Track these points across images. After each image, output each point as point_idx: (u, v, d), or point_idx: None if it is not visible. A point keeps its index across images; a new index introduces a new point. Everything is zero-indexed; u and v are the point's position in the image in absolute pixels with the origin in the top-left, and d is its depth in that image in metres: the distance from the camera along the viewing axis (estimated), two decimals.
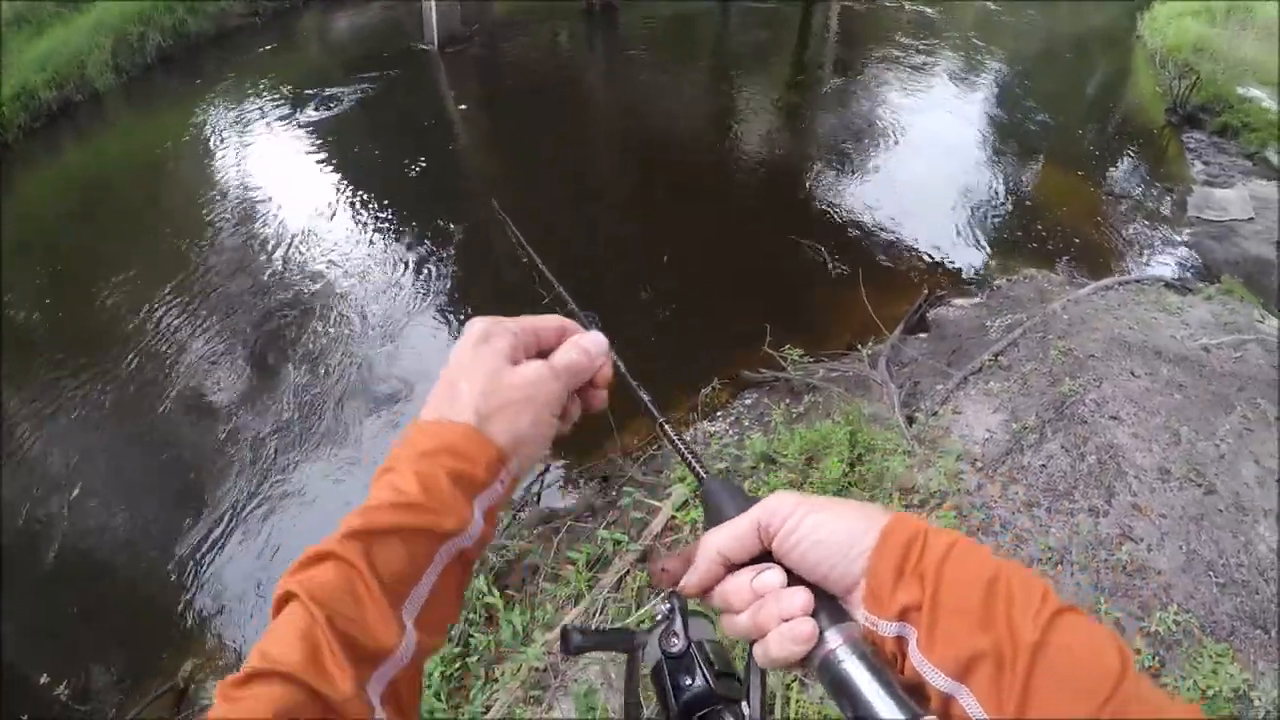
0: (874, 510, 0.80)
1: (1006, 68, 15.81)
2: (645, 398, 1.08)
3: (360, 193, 11.23)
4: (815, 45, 17.45)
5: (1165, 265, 8.84)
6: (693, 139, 12.33)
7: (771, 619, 0.77)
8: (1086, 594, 4.37)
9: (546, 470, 6.56)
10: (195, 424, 7.89)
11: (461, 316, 8.53)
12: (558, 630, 0.86)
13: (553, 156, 11.82)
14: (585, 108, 14.17)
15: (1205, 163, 11.20)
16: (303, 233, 10.45)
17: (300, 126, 13.78)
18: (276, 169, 12.40)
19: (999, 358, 6.33)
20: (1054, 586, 3.42)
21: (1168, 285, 7.79)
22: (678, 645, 1.02)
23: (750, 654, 0.83)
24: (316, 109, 14.30)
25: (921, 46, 16.20)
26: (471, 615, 5.20)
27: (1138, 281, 7.79)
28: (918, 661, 0.72)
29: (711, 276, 8.51)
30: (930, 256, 8.42)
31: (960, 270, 8.28)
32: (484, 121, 14.10)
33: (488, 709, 4.64)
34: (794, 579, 0.79)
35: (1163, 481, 5.09)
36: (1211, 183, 10.57)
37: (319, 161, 12.44)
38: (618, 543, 5.31)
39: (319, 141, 13.13)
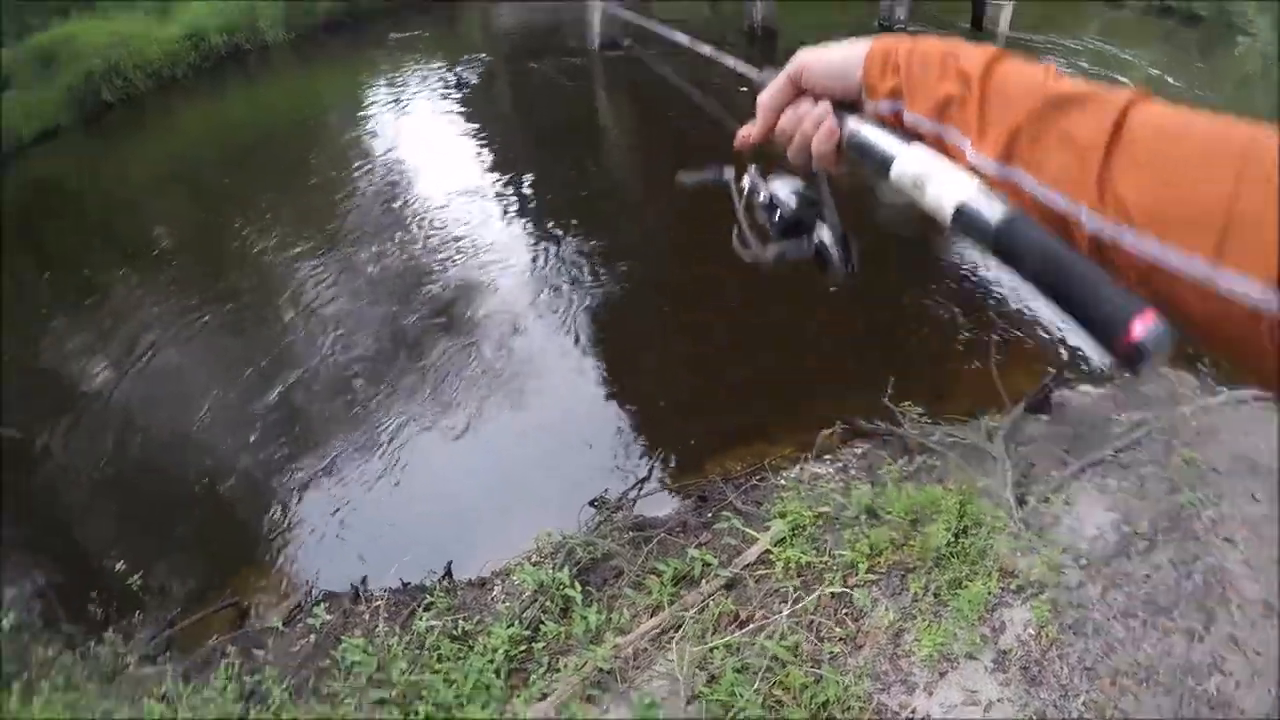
0: (862, 40, 1.06)
1: None
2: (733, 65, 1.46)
3: (503, 174, 11.47)
4: None
5: None
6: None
7: (809, 129, 1.10)
8: (1166, 716, 4.20)
9: (647, 479, 6.59)
10: (310, 361, 8.19)
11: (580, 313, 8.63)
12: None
13: (679, 164, 11.82)
14: (725, 130, 14.17)
15: None
16: (443, 203, 10.75)
17: (453, 104, 14.14)
18: (426, 140, 12.76)
19: (1120, 455, 6.16)
20: (1134, 706, 3.33)
21: None
22: (762, 193, 1.33)
23: (817, 178, 1.23)
24: (471, 90, 14.65)
25: None
26: (547, 604, 5.26)
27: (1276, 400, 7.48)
28: (909, 119, 0.99)
29: (839, 317, 8.44)
30: (1064, 336, 8.21)
31: (1092, 356, 8.06)
32: (629, 124, 14.23)
33: (544, 696, 4.67)
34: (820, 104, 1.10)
35: (1265, 617, 4.89)
36: None
37: (467, 138, 12.74)
38: (707, 564, 5.33)
39: (469, 121, 13.45)
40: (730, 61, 1.41)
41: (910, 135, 0.97)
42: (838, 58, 1.06)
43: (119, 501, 7.33)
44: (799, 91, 1.12)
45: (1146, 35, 23.37)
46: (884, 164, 0.96)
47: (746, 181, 1.35)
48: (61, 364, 8.85)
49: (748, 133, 1.23)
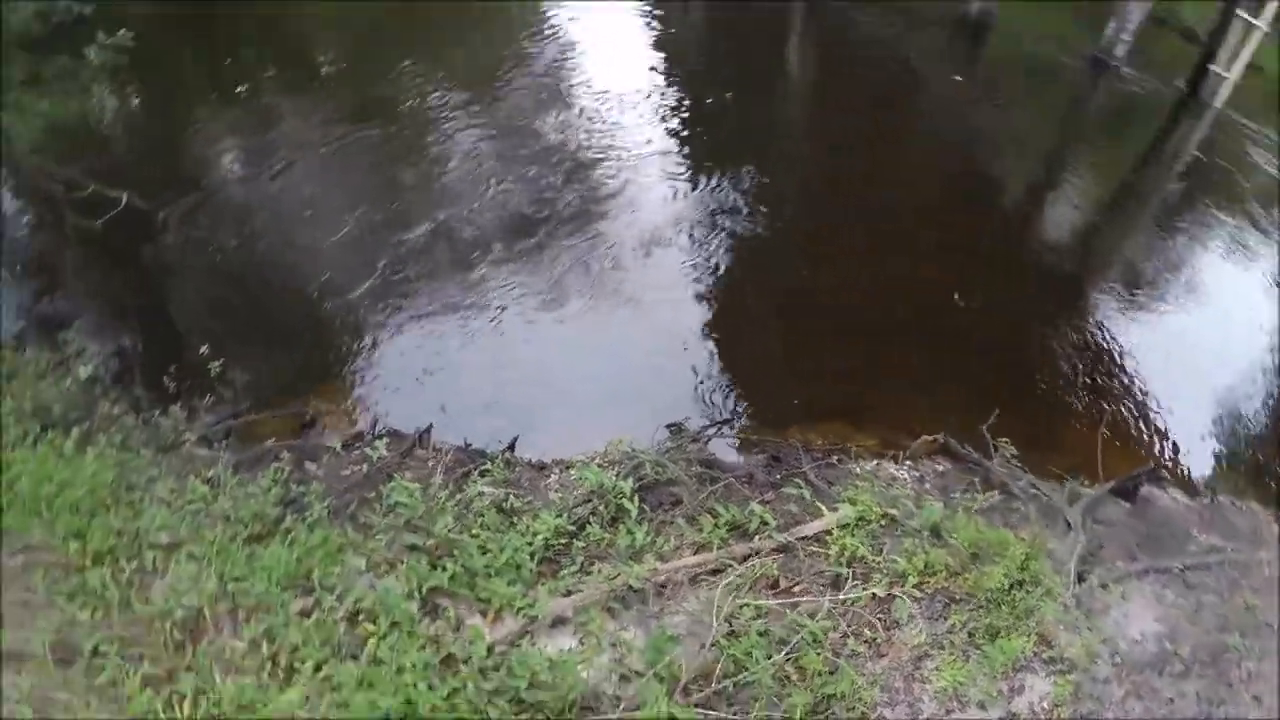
0: None
1: None
2: None
3: (682, 94, 11.33)
4: (1164, 156, 16.51)
5: None
6: (999, 190, 11.93)
7: None
8: None
9: (729, 421, 6.64)
10: (448, 208, 8.31)
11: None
12: None
13: (853, 139, 11.62)
14: (908, 113, 13.81)
15: None
16: (614, 102, 10.68)
17: (642, 10, 13.89)
18: (607, 33, 12.60)
19: (1187, 571, 6.06)
20: None
21: None
22: None
23: None
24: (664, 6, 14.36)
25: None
26: (599, 507, 5.36)
27: None
28: None
29: (964, 330, 8.33)
30: (1175, 435, 8.03)
31: (1193, 463, 7.89)
32: (812, 75, 13.91)
33: (569, 593, 4.80)
34: None
35: None
36: None
37: (647, 49, 12.59)
38: (764, 523, 5.40)
39: (654, 32, 13.23)
40: None
41: None
42: None
43: (222, 290, 7.51)
44: None
45: None
46: None
47: None
48: (203, 148, 9.02)
49: None
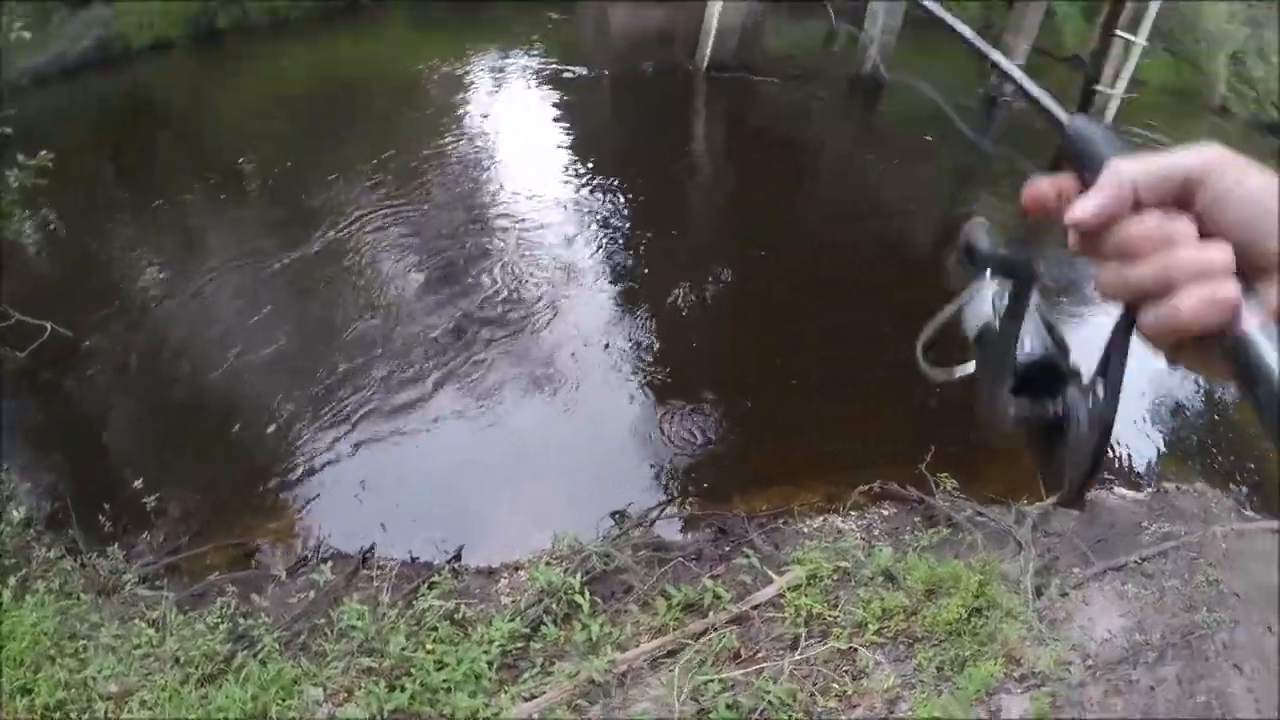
0: None
1: None
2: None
3: (579, 176, 11.64)
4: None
5: None
6: (906, 231, 12.25)
7: (1186, 274, 0.67)
8: None
9: (671, 500, 6.67)
10: (360, 321, 8.33)
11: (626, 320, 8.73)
12: (962, 232, 0.68)
13: (762, 204, 11.99)
14: (815, 168, 14.24)
15: None
16: (522, 191, 10.94)
17: (552, 93, 14.31)
18: (514, 125, 12.92)
19: (1144, 563, 6.13)
20: None
21: None
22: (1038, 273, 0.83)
23: (1121, 326, 0.73)
24: (570, 84, 14.81)
25: None
26: (552, 606, 5.33)
27: None
28: None
29: (889, 376, 8.46)
30: (1113, 432, 8.19)
31: (1132, 459, 8.03)
32: (718, 149, 14.34)
33: (532, 696, 4.75)
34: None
35: None
36: None
37: (553, 134, 12.92)
38: (718, 596, 5.39)
39: (560, 115, 13.62)
40: (1033, 90, 0.89)
41: None
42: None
43: (150, 420, 7.44)
44: (1166, 200, 0.70)
45: (1252, 147, 23.04)
46: None
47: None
48: (126, 269, 9.02)
49: (1058, 193, 0.78)
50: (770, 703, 4.59)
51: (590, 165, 11.95)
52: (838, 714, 4.69)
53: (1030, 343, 0.83)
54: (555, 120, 13.52)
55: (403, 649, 4.92)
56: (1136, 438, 8.51)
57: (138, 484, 6.36)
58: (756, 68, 16.64)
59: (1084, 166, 0.75)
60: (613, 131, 13.91)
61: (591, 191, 11.29)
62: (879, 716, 4.69)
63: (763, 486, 6.96)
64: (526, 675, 4.93)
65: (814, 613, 5.24)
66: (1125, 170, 0.70)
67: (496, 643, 5.02)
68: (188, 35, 14.10)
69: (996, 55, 1.08)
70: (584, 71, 15.41)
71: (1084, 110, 19.61)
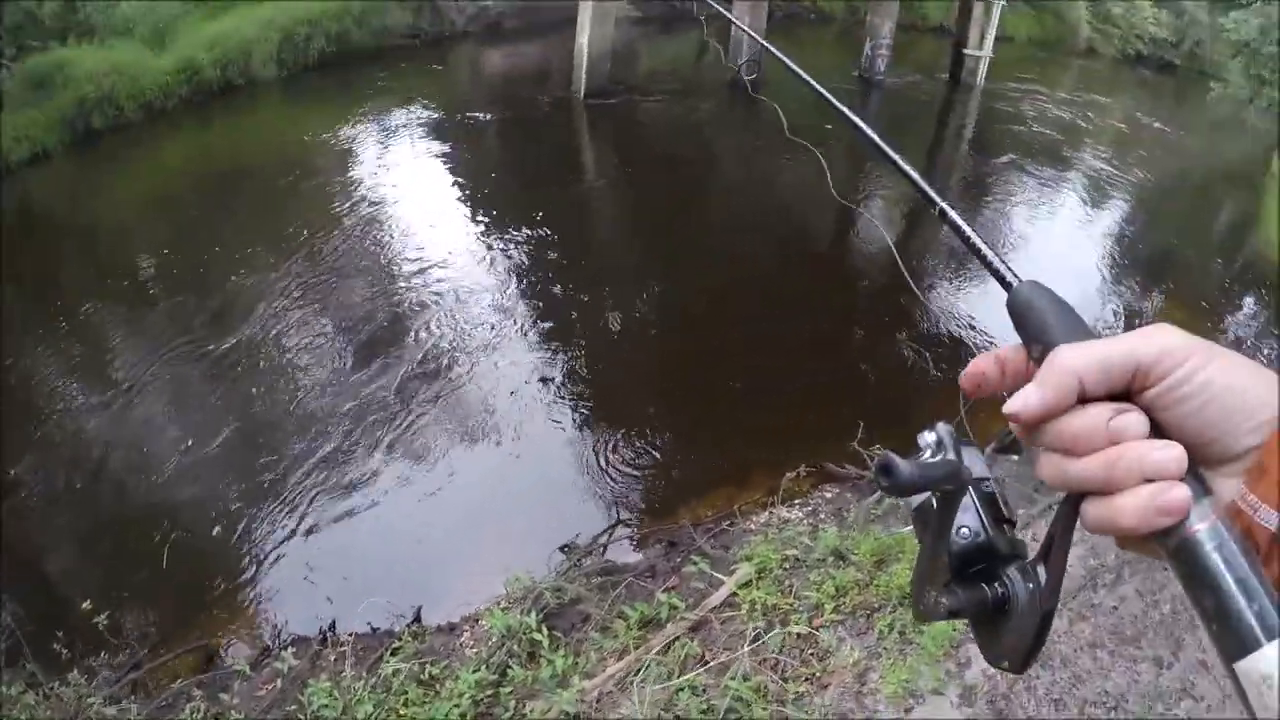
0: (1273, 375, 0.65)
1: (1136, 193, 15.83)
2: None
3: (482, 222, 11.66)
4: (948, 143, 17.57)
5: None
6: (806, 226, 12.46)
7: (1132, 475, 0.62)
8: None
9: (617, 524, 6.68)
10: (283, 408, 8.20)
11: (552, 361, 8.74)
12: (875, 461, 0.65)
13: (665, 221, 12.16)
14: (702, 183, 14.44)
15: None
16: (420, 247, 10.89)
17: (438, 147, 14.34)
18: (409, 181, 12.95)
19: None
20: None
21: None
22: (967, 476, 0.75)
23: (1064, 511, 0.69)
24: (457, 133, 14.86)
25: (1056, 157, 16.30)
26: (514, 648, 5.29)
27: None
28: None
29: (810, 365, 8.60)
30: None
31: None
32: (608, 175, 14.49)
33: None
34: (1154, 433, 0.65)
35: None
36: None
37: (449, 183, 12.95)
38: (674, 608, 5.38)
39: (452, 164, 13.67)
40: (978, 243, 0.86)
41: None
42: (1239, 396, 0.63)
43: (92, 538, 7.26)
44: (1122, 393, 0.66)
45: (1122, 84, 24.07)
46: (1239, 634, 0.59)
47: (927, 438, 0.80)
48: (40, 395, 8.82)
49: (993, 383, 0.76)
50: (740, 699, 4.59)
51: (492, 208, 12.02)
52: (811, 697, 4.70)
53: (968, 522, 0.77)
54: (449, 169, 13.56)
55: (370, 717, 4.86)
56: None
57: (86, 605, 6.11)
58: (635, 88, 16.90)
59: (1029, 338, 0.73)
60: (507, 171, 14.00)
61: (498, 233, 11.33)
62: (851, 690, 4.71)
63: (705, 493, 7.00)
64: None
65: (769, 604, 5.23)
66: (1070, 363, 0.66)
67: (466, 695, 4.95)
68: (65, 141, 13.82)
69: (896, 157, 1.08)
70: (468, 117, 15.49)
71: (955, 76, 20.24)
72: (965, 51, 19.04)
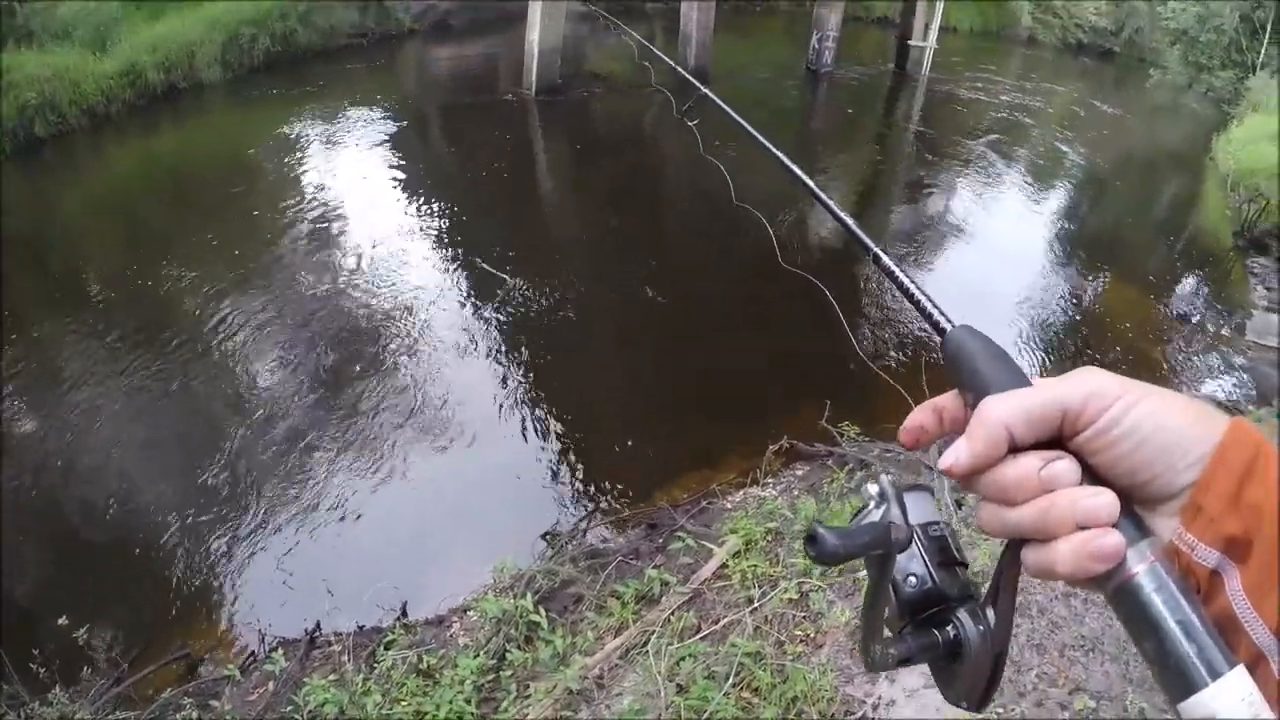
0: (1204, 409, 0.66)
1: (1081, 176, 16.27)
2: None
3: (435, 219, 11.72)
4: (896, 133, 17.88)
5: (1219, 387, 9.22)
6: (763, 214, 12.65)
7: (1064, 523, 0.63)
8: (1115, 684, 4.52)
9: (595, 510, 6.82)
10: (244, 416, 8.16)
11: (509, 358, 8.89)
12: (803, 536, 0.68)
13: (622, 211, 12.42)
14: (657, 174, 14.59)
15: (1269, 288, 11.38)
16: (374, 246, 10.94)
17: (387, 147, 14.31)
18: (359, 182, 12.89)
19: None
20: (1084, 675, 3.61)
21: (1218, 405, 7.94)
22: (900, 535, 0.74)
23: (1008, 556, 0.71)
24: (406, 133, 14.84)
25: (1002, 143, 16.64)
26: (511, 632, 5.39)
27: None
28: (1240, 607, 0.61)
29: (776, 349, 8.80)
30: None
31: (1022, 364, 8.50)
32: (563, 170, 14.65)
33: None
34: (1088, 477, 0.66)
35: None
36: (1273, 309, 10.78)
37: (400, 182, 12.95)
38: (665, 583, 5.53)
39: (403, 164, 13.66)
40: (914, 290, 0.89)
41: (1220, 630, 0.60)
42: (1172, 436, 0.64)
43: (59, 552, 7.11)
44: (1054, 438, 0.67)
45: (1065, 71, 24.69)
46: (1181, 675, 0.59)
47: (871, 489, 0.80)
48: None
49: (931, 435, 0.78)
50: (742, 662, 4.75)
51: (444, 207, 12.07)
52: (808, 656, 4.87)
53: (915, 570, 0.78)
54: (399, 169, 13.57)
55: (379, 707, 4.92)
56: (1017, 349, 9.12)
57: (62, 621, 6.11)
58: (585, 84, 16.97)
59: (962, 384, 0.75)
60: (459, 169, 14.01)
61: (451, 233, 11.39)
62: (846, 648, 4.89)
63: (680, 476, 7.18)
64: (505, 703, 4.96)
65: (760, 572, 5.42)
66: (996, 414, 0.66)
67: (468, 680, 5.02)
68: (6, 150, 13.54)
69: (832, 204, 1.15)
70: (417, 115, 15.49)
71: (901, 67, 20.62)
72: (910, 43, 19.44)
